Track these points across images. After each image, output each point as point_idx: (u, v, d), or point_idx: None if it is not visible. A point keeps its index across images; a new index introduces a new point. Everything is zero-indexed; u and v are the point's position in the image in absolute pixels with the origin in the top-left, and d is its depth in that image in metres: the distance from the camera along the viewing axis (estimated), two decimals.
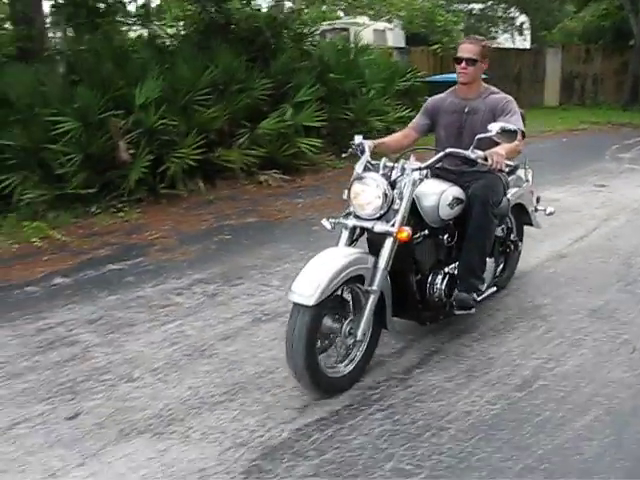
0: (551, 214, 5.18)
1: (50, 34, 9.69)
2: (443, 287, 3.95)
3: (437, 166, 3.98)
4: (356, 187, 3.59)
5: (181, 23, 10.84)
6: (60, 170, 7.30)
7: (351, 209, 3.65)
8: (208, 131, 8.17)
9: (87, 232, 6.70)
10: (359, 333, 3.42)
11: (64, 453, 3.04)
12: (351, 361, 3.54)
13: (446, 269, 4.04)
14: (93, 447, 3.08)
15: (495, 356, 3.90)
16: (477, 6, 19.09)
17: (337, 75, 10.13)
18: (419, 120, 4.46)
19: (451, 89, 4.37)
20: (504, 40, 20.18)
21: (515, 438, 3.08)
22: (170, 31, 10.67)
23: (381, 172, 3.64)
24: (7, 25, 9.98)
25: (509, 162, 3.74)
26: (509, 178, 4.57)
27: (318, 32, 11.21)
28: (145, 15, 9.67)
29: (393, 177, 3.63)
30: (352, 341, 3.47)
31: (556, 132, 13.69)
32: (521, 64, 18.41)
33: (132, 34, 10.51)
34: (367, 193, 3.54)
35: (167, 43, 10.03)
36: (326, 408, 3.34)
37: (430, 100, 4.45)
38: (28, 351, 4.07)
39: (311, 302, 3.14)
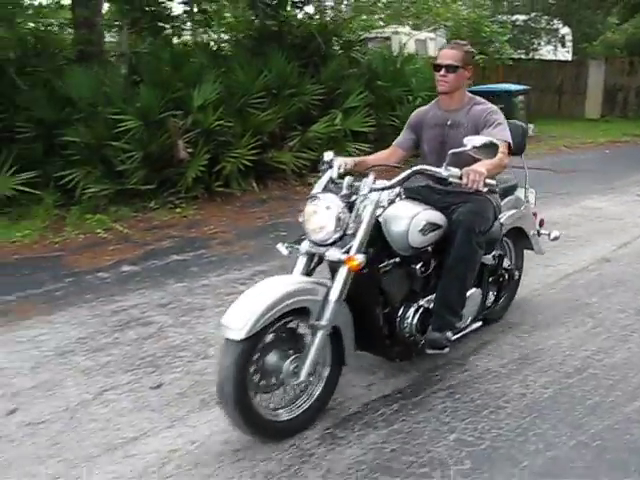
0: (556, 239, 4.77)
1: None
2: (415, 322, 3.54)
3: (422, 185, 3.81)
4: (308, 208, 3.22)
5: (222, 29, 11.22)
6: (121, 166, 7.66)
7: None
8: (262, 133, 8.49)
9: (147, 225, 7.05)
10: (303, 373, 3.02)
11: (152, 416, 3.34)
12: (298, 407, 3.20)
13: (422, 301, 3.63)
14: (178, 413, 3.38)
15: (546, 347, 4.11)
16: (521, 17, 19.21)
17: (384, 83, 10.38)
18: (404, 135, 4.06)
19: (435, 100, 3.99)
20: (546, 52, 20.27)
21: (568, 418, 3.31)
22: (221, 36, 11.03)
23: (344, 192, 3.25)
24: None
25: (490, 181, 3.26)
26: (506, 199, 4.25)
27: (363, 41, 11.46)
28: (205, 21, 10.04)
29: (354, 198, 3.26)
30: (297, 382, 3.07)
31: (598, 144, 13.76)
32: (563, 76, 18.50)
33: (175, 39, 10.87)
34: (319, 215, 3.16)
35: (220, 48, 10.39)
36: (391, 387, 3.60)
37: (414, 113, 4.07)
38: (107, 329, 4.39)
39: (240, 336, 2.81)
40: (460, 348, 4.05)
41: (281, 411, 3.16)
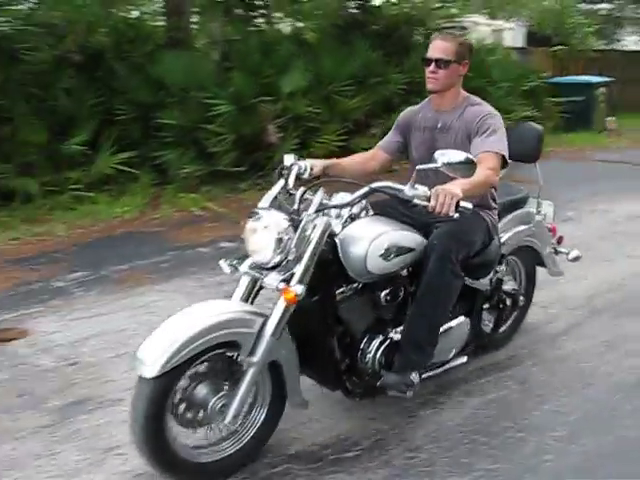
0: (576, 259, 4.16)
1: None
2: (378, 355, 3.08)
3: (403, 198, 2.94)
4: (248, 226, 2.83)
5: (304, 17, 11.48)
6: (213, 149, 8.04)
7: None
8: (348, 120, 8.76)
9: (239, 205, 7.39)
10: (229, 416, 2.69)
11: None
12: (222, 450, 2.86)
13: (392, 332, 3.16)
14: None
15: (630, 333, 4.25)
16: (606, 6, 18.79)
17: (466, 73, 10.48)
18: (390, 137, 3.57)
19: (427, 99, 3.49)
20: (630, 42, 19.81)
21: None
22: (308, 25, 11.31)
23: (295, 207, 2.89)
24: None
25: (466, 204, 2.71)
26: (512, 214, 3.81)
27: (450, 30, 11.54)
28: (294, 11, 10.38)
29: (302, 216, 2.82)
30: (223, 424, 2.74)
31: None
32: None
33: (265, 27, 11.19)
34: (259, 235, 2.76)
35: (306, 36, 10.68)
36: (485, 361, 3.82)
37: (403, 112, 3.58)
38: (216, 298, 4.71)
39: (150, 374, 2.51)
40: (551, 329, 4.28)
41: (202, 451, 2.84)
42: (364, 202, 3.00)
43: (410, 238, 3.11)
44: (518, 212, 3.89)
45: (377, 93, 9.16)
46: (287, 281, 2.70)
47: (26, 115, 7.36)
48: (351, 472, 2.85)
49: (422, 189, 2.74)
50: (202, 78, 8.43)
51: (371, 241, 2.92)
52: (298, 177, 3.09)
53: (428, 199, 2.72)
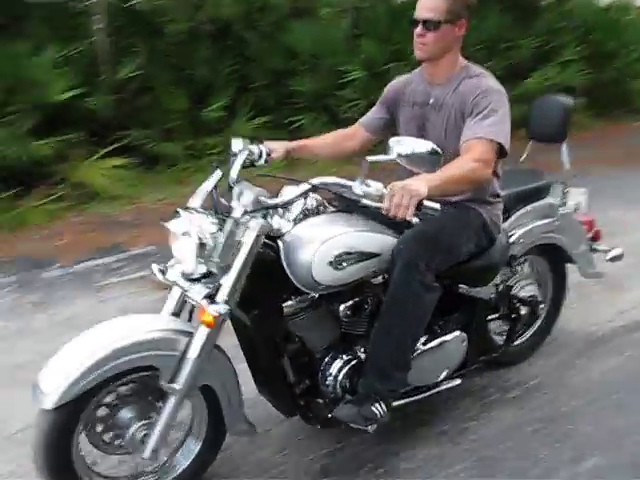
0: (616, 259, 3.51)
1: None
2: (340, 378, 2.60)
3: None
4: (170, 229, 2.36)
5: None
6: (345, 114, 8.23)
7: None
8: None
9: (374, 174, 7.57)
10: (147, 450, 2.32)
11: None
12: None
13: (360, 352, 2.68)
14: None
15: None
16: None
17: (597, 35, 10.22)
18: (374, 113, 3.05)
19: (419, 68, 2.93)
20: None
21: None
22: None
23: (233, 205, 2.36)
24: None
25: (431, 204, 2.16)
26: (529, 207, 3.18)
27: None
28: None
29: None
30: (143, 457, 2.35)
31: None
32: None
33: None
34: (182, 240, 2.30)
35: None
36: (591, 330, 3.85)
37: (390, 84, 3.04)
38: None
39: (47, 405, 2.16)
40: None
41: None
42: (318, 197, 2.53)
43: (376, 241, 2.55)
44: (536, 204, 3.24)
45: (507, 58, 9.07)
46: (212, 296, 2.27)
47: (167, 84, 7.77)
48: (517, 409, 3.02)
49: (375, 186, 2.23)
50: (332, 46, 8.62)
51: (320, 245, 2.40)
52: (253, 165, 2.69)
53: (381, 198, 2.20)
